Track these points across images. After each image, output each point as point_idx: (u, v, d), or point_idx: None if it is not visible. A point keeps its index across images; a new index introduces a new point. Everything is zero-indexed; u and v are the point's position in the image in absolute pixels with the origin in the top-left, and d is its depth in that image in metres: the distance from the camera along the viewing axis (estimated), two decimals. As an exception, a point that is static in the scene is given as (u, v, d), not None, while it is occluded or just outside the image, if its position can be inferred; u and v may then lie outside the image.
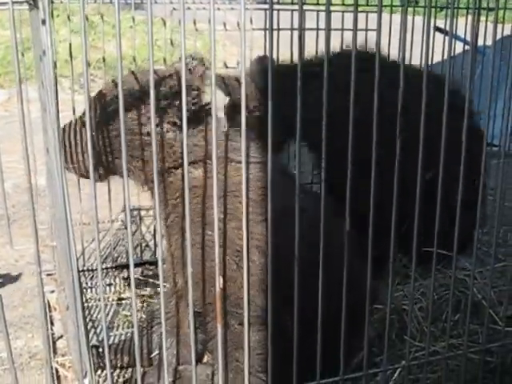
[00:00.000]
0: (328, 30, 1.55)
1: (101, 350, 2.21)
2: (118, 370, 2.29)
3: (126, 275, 2.96)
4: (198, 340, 2.20)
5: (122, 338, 2.46)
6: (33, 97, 2.30)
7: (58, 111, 1.48)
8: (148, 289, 2.82)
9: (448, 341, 2.04)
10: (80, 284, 1.70)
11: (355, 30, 1.53)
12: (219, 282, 1.71)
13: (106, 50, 3.10)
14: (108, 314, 2.68)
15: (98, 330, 2.51)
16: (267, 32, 1.56)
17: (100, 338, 2.40)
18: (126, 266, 2.97)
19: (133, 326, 2.45)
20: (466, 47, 2.20)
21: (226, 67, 2.71)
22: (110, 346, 2.35)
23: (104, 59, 3.11)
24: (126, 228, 3.28)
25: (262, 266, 1.89)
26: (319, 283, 1.65)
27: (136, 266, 2.96)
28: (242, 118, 1.44)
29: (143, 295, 2.78)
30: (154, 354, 2.24)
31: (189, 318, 1.64)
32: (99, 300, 2.75)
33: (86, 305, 2.71)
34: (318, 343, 1.70)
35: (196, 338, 2.16)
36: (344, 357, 1.76)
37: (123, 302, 2.76)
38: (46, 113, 1.67)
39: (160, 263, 1.63)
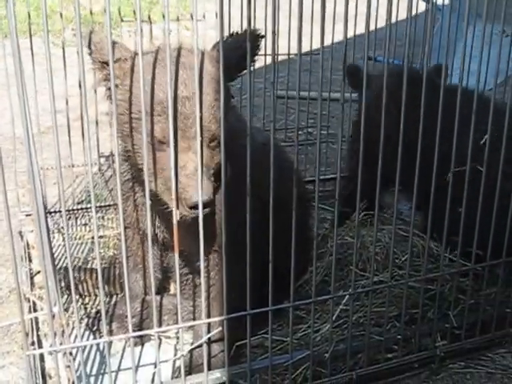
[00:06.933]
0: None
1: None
2: (91, 302, 2.48)
3: (99, 215, 3.11)
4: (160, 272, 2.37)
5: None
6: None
7: (19, 56, 1.57)
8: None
9: (391, 271, 2.24)
10: (46, 222, 1.86)
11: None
12: (176, 214, 1.84)
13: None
14: (83, 251, 2.86)
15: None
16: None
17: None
18: (101, 208, 3.13)
19: (105, 262, 2.65)
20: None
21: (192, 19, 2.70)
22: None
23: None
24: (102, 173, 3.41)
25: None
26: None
27: (111, 206, 3.12)
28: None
29: (117, 234, 2.94)
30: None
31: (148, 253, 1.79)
32: (75, 238, 2.93)
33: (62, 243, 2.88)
34: (270, 274, 1.87)
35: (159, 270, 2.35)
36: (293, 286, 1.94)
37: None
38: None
39: (120, 206, 1.74)
